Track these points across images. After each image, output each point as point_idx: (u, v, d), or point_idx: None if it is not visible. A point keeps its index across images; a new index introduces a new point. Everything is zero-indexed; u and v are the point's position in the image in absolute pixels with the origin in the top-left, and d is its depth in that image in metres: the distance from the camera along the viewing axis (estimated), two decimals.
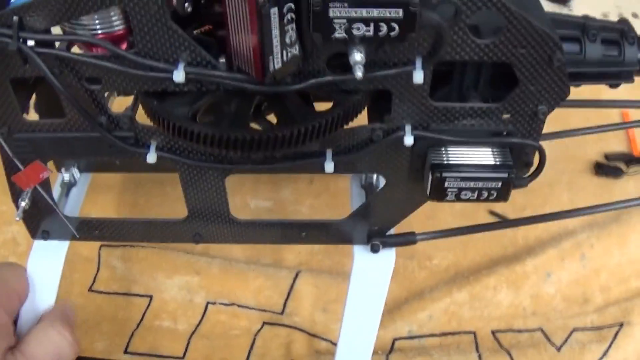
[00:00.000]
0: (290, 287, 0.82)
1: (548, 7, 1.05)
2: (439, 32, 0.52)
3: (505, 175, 0.58)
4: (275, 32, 0.49)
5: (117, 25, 0.54)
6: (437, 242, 0.84)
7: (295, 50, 0.52)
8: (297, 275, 0.83)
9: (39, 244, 0.69)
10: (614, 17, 1.03)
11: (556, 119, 0.94)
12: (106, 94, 0.60)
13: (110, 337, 0.79)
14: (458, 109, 0.58)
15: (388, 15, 0.48)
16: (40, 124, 0.61)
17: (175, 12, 0.52)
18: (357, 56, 0.50)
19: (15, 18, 0.52)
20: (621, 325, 0.79)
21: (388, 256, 0.67)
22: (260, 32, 0.49)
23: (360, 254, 0.68)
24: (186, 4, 0.52)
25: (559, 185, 0.90)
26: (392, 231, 0.68)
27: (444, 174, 0.58)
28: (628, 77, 0.60)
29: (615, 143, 0.94)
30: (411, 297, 0.82)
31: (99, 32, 0.54)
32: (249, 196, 0.90)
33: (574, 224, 0.86)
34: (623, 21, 0.60)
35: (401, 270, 0.84)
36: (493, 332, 0.80)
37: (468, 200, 0.59)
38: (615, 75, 0.60)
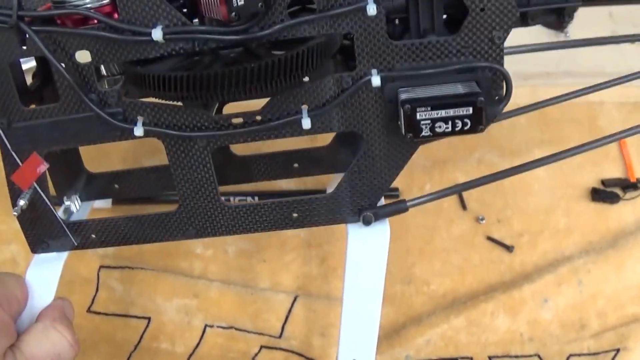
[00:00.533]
0: (288, 311, 0.83)
1: (544, 34, 1.06)
2: None
3: (474, 99, 0.58)
4: None
5: None
6: (435, 268, 0.85)
7: None
8: (295, 299, 0.83)
9: (38, 256, 0.70)
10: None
11: (553, 144, 0.96)
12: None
13: (108, 358, 0.79)
14: (418, 44, 0.60)
15: None
16: (37, 110, 0.63)
17: None
18: None
19: None
20: (617, 351, 0.79)
21: (382, 228, 0.66)
22: None
23: (353, 230, 0.67)
24: None
25: (556, 211, 0.90)
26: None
27: (414, 106, 0.59)
28: (573, 11, 0.63)
29: (611, 169, 0.94)
30: (409, 322, 0.82)
31: (89, 6, 0.58)
32: None
33: (571, 249, 0.87)
34: None
35: (399, 296, 0.84)
36: (490, 358, 0.80)
37: (444, 133, 0.59)
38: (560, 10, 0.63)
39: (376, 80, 0.60)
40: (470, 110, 0.58)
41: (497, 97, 0.62)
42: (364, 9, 0.57)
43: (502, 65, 0.61)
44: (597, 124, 0.98)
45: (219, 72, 0.57)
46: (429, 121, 0.59)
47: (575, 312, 0.83)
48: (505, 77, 0.61)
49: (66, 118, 0.63)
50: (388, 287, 0.66)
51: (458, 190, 0.73)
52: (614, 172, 0.94)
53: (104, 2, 0.58)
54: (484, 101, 0.58)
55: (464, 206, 0.89)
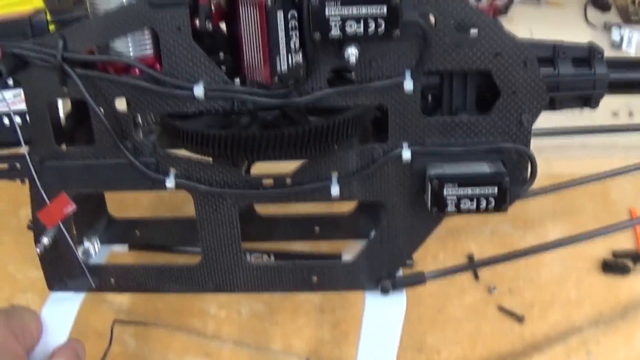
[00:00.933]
0: None
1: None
2: (423, 38, 0.58)
3: (500, 179, 0.60)
4: (282, 33, 0.57)
5: (147, 49, 0.60)
6: (446, 336, 0.85)
7: (299, 57, 0.58)
8: None
9: (55, 294, 0.71)
10: (624, 115, 1.07)
11: (565, 215, 0.97)
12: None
13: None
14: (449, 122, 0.62)
15: (374, 11, 0.54)
16: (70, 151, 0.65)
17: (197, 34, 0.59)
18: (352, 49, 0.56)
19: (60, 40, 0.59)
20: None
21: (399, 298, 0.68)
22: (268, 31, 0.58)
23: (370, 297, 0.68)
24: (207, 21, 0.59)
25: (567, 283, 0.91)
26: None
27: (442, 181, 0.60)
28: (602, 87, 0.64)
29: (623, 241, 0.95)
30: None
31: (132, 55, 0.60)
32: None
33: (581, 320, 0.87)
34: (589, 43, 0.64)
35: None
36: None
37: (468, 210, 0.61)
38: (589, 87, 0.64)
39: (407, 155, 0.62)
40: (496, 190, 0.60)
41: (521, 178, 0.64)
42: (401, 84, 0.59)
43: (528, 147, 0.63)
44: (609, 196, 0.99)
45: (257, 134, 0.59)
46: (454, 197, 0.60)
47: None
48: (531, 160, 0.63)
49: (99, 163, 0.65)
50: (399, 354, 0.67)
51: (475, 266, 0.74)
52: (625, 244, 0.95)
53: (148, 52, 0.60)
54: (510, 182, 0.60)
55: (476, 275, 0.90)
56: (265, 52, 0.59)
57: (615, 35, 1.19)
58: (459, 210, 0.61)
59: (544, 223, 0.96)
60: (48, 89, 0.61)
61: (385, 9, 0.54)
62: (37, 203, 0.66)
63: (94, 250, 0.77)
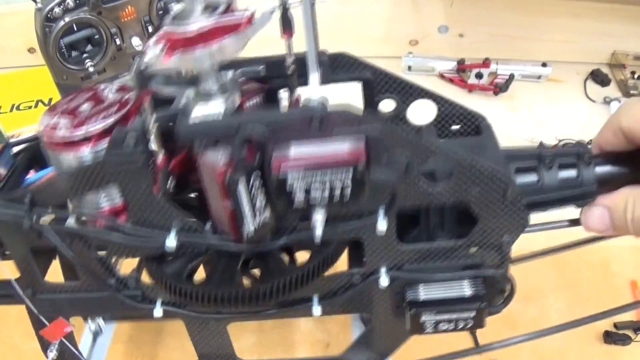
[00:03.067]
0: None
1: None
2: (393, 186, 0.56)
3: (477, 305, 0.61)
4: (245, 201, 0.55)
5: (117, 199, 0.59)
6: None
7: (266, 213, 0.57)
8: None
9: None
10: None
11: (567, 287, 0.99)
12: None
13: None
14: (427, 248, 0.62)
15: (339, 178, 0.53)
16: (59, 286, 0.67)
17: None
18: (318, 216, 0.55)
19: (27, 198, 0.59)
20: None
21: None
22: (231, 202, 0.55)
23: None
24: (169, 185, 0.57)
25: (569, 353, 0.91)
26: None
27: (420, 311, 0.61)
28: (589, 197, 0.61)
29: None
30: None
31: (102, 205, 0.60)
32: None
33: None
34: (579, 144, 0.62)
35: None
36: None
37: (447, 330, 0.62)
38: (576, 197, 0.61)
39: (384, 281, 0.62)
40: (474, 313, 0.61)
41: (499, 296, 0.64)
42: (374, 224, 0.58)
43: (507, 267, 0.63)
44: (610, 268, 1.01)
45: (240, 294, 0.60)
46: (433, 322, 0.62)
47: None
48: (510, 281, 0.64)
49: (87, 296, 0.67)
50: None
51: (475, 351, 0.75)
52: (627, 315, 0.96)
53: (117, 202, 0.59)
54: (487, 305, 0.61)
55: (477, 344, 0.92)
56: (231, 219, 0.56)
57: (615, 109, 1.21)
58: (437, 331, 0.62)
59: (545, 295, 0.97)
60: (27, 240, 0.62)
61: (350, 177, 0.53)
62: (37, 324, 0.70)
63: (99, 328, 0.81)
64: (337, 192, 0.54)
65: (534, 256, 0.79)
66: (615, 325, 0.95)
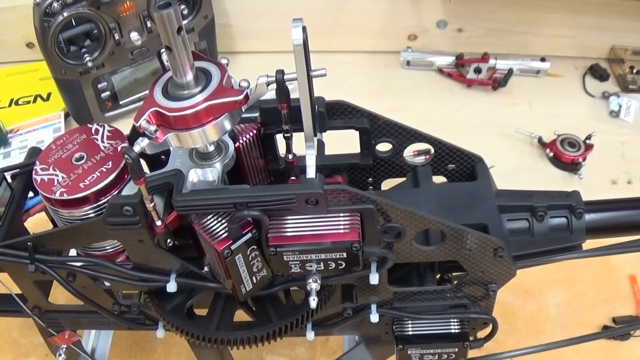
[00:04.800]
0: None
1: (557, 175, 1.11)
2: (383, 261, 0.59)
3: (462, 343, 0.64)
4: (243, 269, 0.57)
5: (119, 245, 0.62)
6: None
7: (263, 272, 0.59)
8: None
9: None
10: (622, 184, 1.10)
11: (566, 282, 0.99)
12: None
13: None
14: (416, 292, 0.64)
15: (334, 256, 0.55)
16: (63, 306, 0.70)
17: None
18: (313, 285, 0.57)
19: (30, 246, 0.60)
20: None
21: None
22: (229, 269, 0.56)
23: None
24: (168, 241, 0.59)
25: (568, 349, 0.92)
26: None
27: (407, 347, 0.64)
28: (578, 247, 0.63)
29: (623, 307, 0.96)
30: None
31: (106, 249, 0.62)
32: (265, 351, 0.94)
33: None
34: (573, 194, 0.64)
35: None
36: None
37: None
38: (564, 250, 0.63)
39: (374, 318, 0.65)
40: (457, 349, 0.65)
41: (484, 323, 0.68)
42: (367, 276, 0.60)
43: (491, 311, 0.66)
44: (609, 262, 1.00)
45: (233, 338, 0.63)
46: (418, 354, 0.66)
47: None
48: (493, 324, 0.67)
49: (90, 317, 0.70)
50: None
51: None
52: (626, 310, 0.96)
53: (120, 245, 0.62)
54: (470, 344, 0.65)
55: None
56: (229, 282, 0.58)
57: (614, 104, 1.22)
58: None
59: (544, 291, 0.97)
60: (32, 275, 0.63)
61: (344, 254, 0.55)
62: (45, 333, 0.73)
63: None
64: (332, 265, 0.56)
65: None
66: (614, 321, 0.95)
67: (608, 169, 1.13)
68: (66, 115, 1.23)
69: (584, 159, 1.11)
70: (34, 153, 0.68)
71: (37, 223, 0.70)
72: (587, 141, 1.12)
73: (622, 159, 1.15)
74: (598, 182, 1.10)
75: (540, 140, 1.15)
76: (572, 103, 1.25)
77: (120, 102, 1.20)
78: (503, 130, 1.19)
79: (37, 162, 0.61)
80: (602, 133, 1.15)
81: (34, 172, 0.61)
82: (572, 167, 1.11)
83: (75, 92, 1.13)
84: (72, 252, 0.67)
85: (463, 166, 0.67)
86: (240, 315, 0.68)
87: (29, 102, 1.27)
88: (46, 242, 0.61)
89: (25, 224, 0.67)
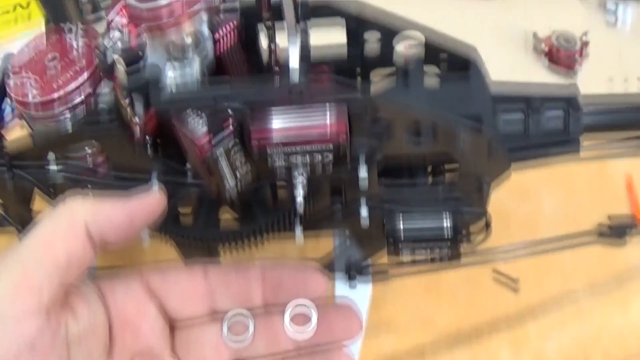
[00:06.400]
0: None
1: (552, 79, 1.09)
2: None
3: (455, 236, 0.64)
4: (225, 163, 0.56)
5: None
6: (441, 304, 0.86)
7: (247, 167, 0.58)
8: None
9: None
10: (619, 82, 1.08)
11: (561, 183, 0.98)
12: None
13: None
14: (407, 184, 0.64)
15: (321, 150, 0.54)
16: None
17: None
18: (299, 179, 0.57)
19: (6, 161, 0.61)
20: None
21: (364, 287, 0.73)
22: (212, 169, 0.56)
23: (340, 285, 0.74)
24: (147, 138, 0.58)
25: (564, 253, 0.92)
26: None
27: (397, 239, 0.64)
28: (574, 145, 0.62)
29: (618, 207, 0.95)
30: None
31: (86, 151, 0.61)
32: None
33: (576, 286, 0.88)
34: (571, 85, 0.62)
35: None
36: None
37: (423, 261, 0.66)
38: (560, 144, 0.62)
39: (364, 212, 0.64)
40: (449, 242, 0.64)
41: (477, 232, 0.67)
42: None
43: (486, 206, 0.65)
44: (605, 162, 0.99)
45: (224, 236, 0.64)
46: (410, 249, 0.66)
47: (579, 349, 0.84)
48: (487, 219, 0.66)
49: None
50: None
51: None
52: (621, 208, 0.95)
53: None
54: (463, 238, 0.65)
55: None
56: (212, 182, 0.58)
57: (610, 13, 1.18)
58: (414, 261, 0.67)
59: (538, 192, 0.96)
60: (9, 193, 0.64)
61: (331, 150, 0.54)
62: None
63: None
64: (318, 158, 0.55)
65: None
66: (610, 219, 0.93)
67: (604, 66, 1.10)
68: (47, 23, 1.19)
69: (580, 55, 1.08)
70: (8, 59, 0.65)
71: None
72: (584, 37, 1.08)
73: (619, 60, 1.12)
74: (594, 80, 1.08)
75: (535, 35, 1.12)
76: (567, 11, 1.20)
77: (101, 4, 1.16)
78: (496, 32, 1.15)
79: (9, 67, 0.60)
80: (598, 37, 1.10)
81: (5, 76, 0.59)
82: (568, 62, 1.08)
83: None
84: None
85: (455, 55, 0.64)
86: None
87: (8, 12, 1.23)
88: (23, 150, 0.60)
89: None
